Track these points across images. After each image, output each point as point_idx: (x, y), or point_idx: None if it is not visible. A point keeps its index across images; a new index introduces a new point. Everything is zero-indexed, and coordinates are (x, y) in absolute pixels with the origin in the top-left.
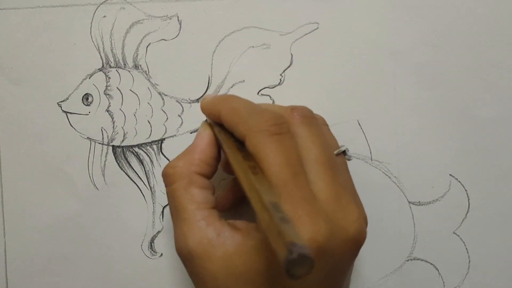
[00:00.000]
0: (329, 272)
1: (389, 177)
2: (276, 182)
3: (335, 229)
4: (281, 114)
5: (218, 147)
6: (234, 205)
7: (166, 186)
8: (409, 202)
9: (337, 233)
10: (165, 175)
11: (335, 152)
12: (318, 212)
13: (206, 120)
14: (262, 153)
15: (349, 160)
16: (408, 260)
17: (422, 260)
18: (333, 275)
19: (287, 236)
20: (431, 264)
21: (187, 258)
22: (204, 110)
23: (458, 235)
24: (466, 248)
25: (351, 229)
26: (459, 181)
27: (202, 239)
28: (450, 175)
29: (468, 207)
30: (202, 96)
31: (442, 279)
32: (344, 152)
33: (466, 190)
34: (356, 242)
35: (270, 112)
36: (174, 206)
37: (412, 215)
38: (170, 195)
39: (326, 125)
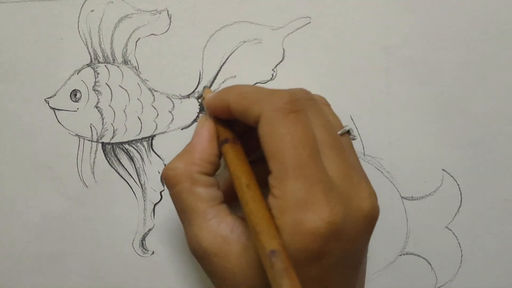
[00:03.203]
0: (347, 252)
1: (381, 172)
2: (293, 165)
3: (349, 209)
4: (295, 92)
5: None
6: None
7: (169, 188)
8: (402, 197)
9: (352, 212)
10: (166, 178)
11: (339, 132)
12: (333, 193)
13: (203, 113)
14: (278, 134)
15: (353, 139)
16: (401, 255)
17: (414, 254)
18: (351, 254)
19: None
20: (424, 258)
21: (203, 258)
22: (210, 105)
23: (451, 230)
24: (459, 242)
25: (365, 207)
26: (452, 176)
27: (215, 238)
28: (443, 170)
29: (461, 202)
30: (193, 92)
31: (435, 273)
32: (348, 132)
33: (458, 185)
34: (371, 218)
35: (284, 91)
36: (182, 208)
37: (405, 210)
38: (175, 197)
39: (328, 104)
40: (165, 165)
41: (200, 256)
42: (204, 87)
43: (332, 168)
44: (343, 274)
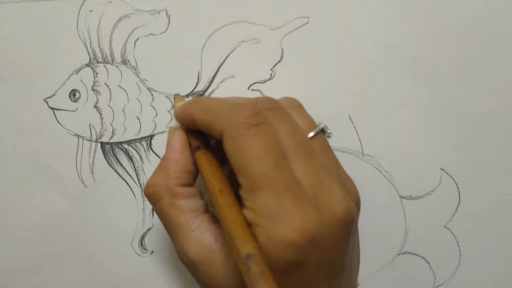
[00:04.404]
0: (326, 258)
1: (380, 171)
2: (258, 175)
3: (322, 214)
4: (257, 104)
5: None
6: None
7: (152, 205)
8: (400, 197)
9: (325, 217)
10: (147, 195)
11: (311, 133)
12: (304, 200)
13: (172, 126)
14: (240, 147)
15: (329, 137)
16: (399, 254)
17: (413, 253)
18: (331, 259)
19: None
20: (422, 257)
21: (190, 267)
22: (177, 117)
23: (449, 229)
24: (457, 242)
25: (338, 211)
26: (450, 175)
27: (200, 248)
28: (441, 169)
29: (459, 201)
30: (191, 92)
31: (433, 273)
32: (322, 131)
33: (456, 184)
34: (346, 222)
35: (245, 104)
36: (165, 222)
37: (403, 209)
38: (159, 213)
39: (299, 106)
40: None
41: (188, 266)
42: (175, 95)
43: (301, 174)
44: (325, 280)
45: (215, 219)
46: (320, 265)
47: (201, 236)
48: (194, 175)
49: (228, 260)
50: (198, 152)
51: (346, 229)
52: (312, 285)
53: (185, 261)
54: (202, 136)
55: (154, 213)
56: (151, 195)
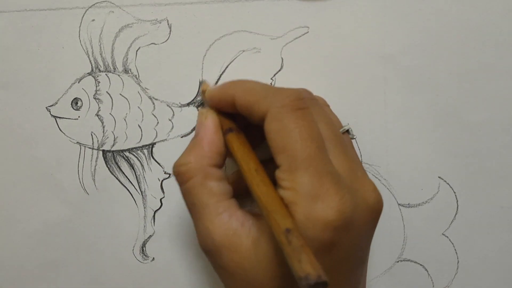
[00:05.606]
0: (355, 243)
1: (379, 179)
2: (302, 157)
3: (357, 200)
4: (300, 91)
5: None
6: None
7: (180, 184)
8: (399, 204)
9: (359, 203)
10: (178, 174)
11: (340, 130)
12: (342, 185)
13: (202, 106)
14: (287, 128)
15: (353, 138)
16: (398, 261)
17: (411, 261)
18: (358, 245)
19: (302, 268)
20: (421, 265)
21: (213, 252)
22: (213, 98)
23: (447, 236)
24: (455, 249)
25: (370, 199)
26: (448, 183)
27: (227, 230)
28: (439, 177)
29: (457, 209)
30: (192, 100)
31: (432, 280)
32: (348, 131)
33: (454, 192)
34: (376, 210)
35: (289, 89)
36: (193, 203)
37: (402, 217)
38: (187, 192)
39: (327, 105)
40: (165, 172)
41: (211, 250)
42: (202, 80)
43: (337, 163)
44: (351, 268)
45: (240, 206)
46: (348, 252)
47: (228, 220)
48: (224, 158)
49: (255, 245)
50: (231, 134)
51: (375, 217)
52: (338, 273)
53: (208, 244)
54: (233, 119)
55: (155, 220)
56: (182, 173)
